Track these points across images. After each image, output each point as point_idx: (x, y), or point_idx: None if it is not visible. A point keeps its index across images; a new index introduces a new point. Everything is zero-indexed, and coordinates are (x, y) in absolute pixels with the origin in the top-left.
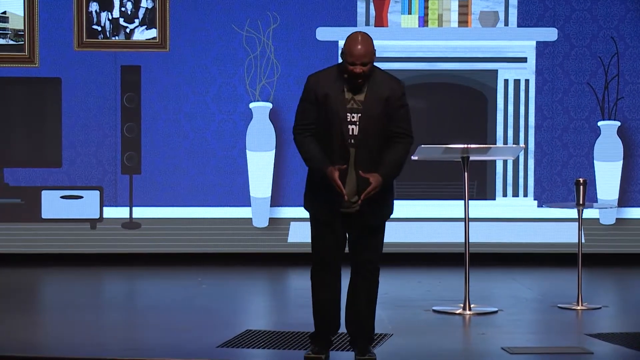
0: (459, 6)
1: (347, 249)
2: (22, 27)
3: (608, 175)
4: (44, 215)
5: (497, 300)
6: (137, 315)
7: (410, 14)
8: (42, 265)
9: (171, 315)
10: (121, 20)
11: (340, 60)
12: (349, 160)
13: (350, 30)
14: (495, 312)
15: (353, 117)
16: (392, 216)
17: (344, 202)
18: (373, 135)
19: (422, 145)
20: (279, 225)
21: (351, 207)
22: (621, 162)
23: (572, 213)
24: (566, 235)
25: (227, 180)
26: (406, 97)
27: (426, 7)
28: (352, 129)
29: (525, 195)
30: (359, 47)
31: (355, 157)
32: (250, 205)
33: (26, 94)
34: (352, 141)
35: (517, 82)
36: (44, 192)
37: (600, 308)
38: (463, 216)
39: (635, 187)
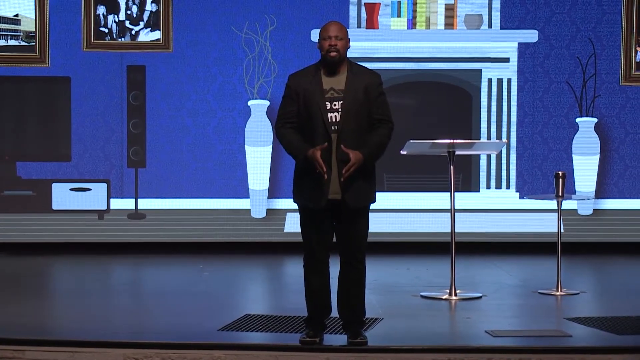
0: (445, 9)
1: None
2: (34, 29)
3: (585, 169)
4: (55, 207)
5: (481, 286)
6: (142, 300)
7: (400, 16)
8: (52, 253)
9: (174, 300)
10: (127, 23)
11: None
12: (331, 146)
13: None
14: (480, 297)
15: (334, 104)
16: (383, 207)
17: (328, 189)
18: (355, 120)
19: (411, 141)
20: (275, 216)
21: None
22: (598, 156)
23: (552, 204)
24: (546, 225)
25: (227, 173)
26: (383, 87)
27: (414, 11)
28: (333, 116)
29: (508, 187)
30: (332, 25)
31: (337, 143)
32: (248, 197)
33: (37, 92)
34: (335, 127)
35: (500, 81)
36: (54, 185)
37: (578, 294)
38: (449, 207)
39: (611, 180)
